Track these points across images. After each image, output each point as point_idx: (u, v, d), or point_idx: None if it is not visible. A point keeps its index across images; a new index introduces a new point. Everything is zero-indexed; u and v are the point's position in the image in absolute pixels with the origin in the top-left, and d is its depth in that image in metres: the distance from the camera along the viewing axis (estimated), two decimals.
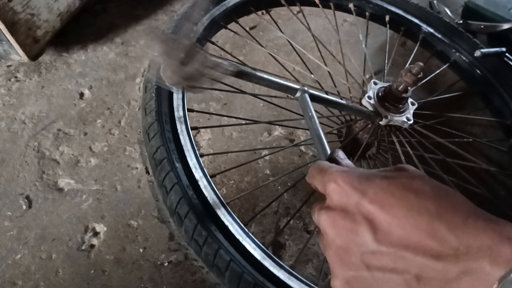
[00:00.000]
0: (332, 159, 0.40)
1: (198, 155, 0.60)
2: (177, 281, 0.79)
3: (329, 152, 0.43)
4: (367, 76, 1.06)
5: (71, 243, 0.81)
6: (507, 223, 0.25)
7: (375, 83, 0.71)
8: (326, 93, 0.87)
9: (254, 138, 1.03)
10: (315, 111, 0.52)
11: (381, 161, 0.84)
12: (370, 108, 0.69)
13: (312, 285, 0.53)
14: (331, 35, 1.29)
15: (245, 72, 0.48)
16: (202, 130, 1.03)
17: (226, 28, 0.86)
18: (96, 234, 0.83)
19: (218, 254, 0.51)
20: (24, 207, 0.85)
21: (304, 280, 0.53)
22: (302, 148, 1.03)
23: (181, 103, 0.64)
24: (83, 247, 0.81)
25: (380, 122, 0.69)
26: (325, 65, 0.87)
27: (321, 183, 0.35)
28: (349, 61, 1.06)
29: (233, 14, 0.87)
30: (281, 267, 0.53)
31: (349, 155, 0.79)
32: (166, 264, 0.80)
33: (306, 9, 1.41)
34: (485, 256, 0.24)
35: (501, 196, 0.74)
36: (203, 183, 0.57)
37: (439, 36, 0.96)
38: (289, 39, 0.93)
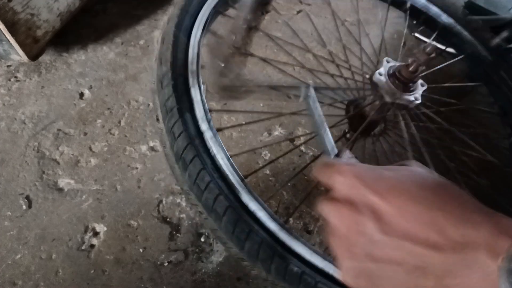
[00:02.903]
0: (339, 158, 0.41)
1: (207, 108, 0.62)
2: (177, 281, 0.79)
3: (335, 148, 0.45)
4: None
5: (71, 243, 0.81)
6: (503, 216, 0.26)
7: (388, 61, 0.72)
8: (340, 69, 0.85)
9: (254, 138, 1.03)
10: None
11: (385, 140, 0.84)
12: (381, 86, 0.69)
13: (298, 237, 0.55)
14: (331, 34, 1.29)
15: (259, 87, 0.52)
16: None
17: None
18: (96, 234, 0.83)
19: (218, 200, 0.53)
20: (24, 207, 0.85)
21: (293, 233, 0.56)
22: (302, 148, 1.03)
23: (196, 58, 0.66)
24: (83, 247, 0.81)
25: (388, 99, 0.69)
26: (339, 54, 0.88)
27: (327, 175, 0.35)
28: (348, 57, 1.06)
29: None
30: (274, 219, 0.56)
31: (355, 131, 0.80)
32: (166, 264, 0.80)
33: (307, 8, 1.41)
34: (482, 248, 0.25)
35: (503, 190, 0.74)
36: (209, 134, 0.59)
37: (458, 27, 0.95)
38: (295, 32, 0.93)
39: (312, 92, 0.53)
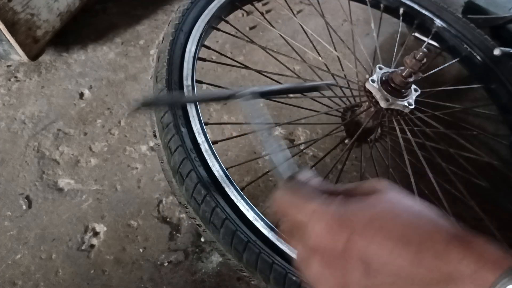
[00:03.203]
0: (300, 183, 0.36)
1: (203, 122, 0.63)
2: (177, 281, 0.79)
3: (291, 169, 0.38)
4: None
5: (71, 243, 0.81)
6: (487, 243, 0.27)
7: (380, 68, 0.72)
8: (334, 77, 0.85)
9: (254, 138, 1.03)
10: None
11: (382, 146, 0.85)
12: (374, 92, 0.70)
13: None
14: (332, 34, 1.29)
15: (186, 100, 0.54)
16: None
17: (241, 8, 0.87)
18: (96, 234, 0.83)
19: (215, 212, 0.54)
20: (24, 207, 0.85)
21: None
22: (301, 147, 1.03)
23: (190, 73, 0.68)
24: (83, 247, 0.81)
25: (382, 105, 0.70)
26: (335, 50, 0.89)
27: (298, 219, 0.34)
28: (348, 56, 1.06)
29: None
30: (271, 228, 0.56)
31: (351, 138, 0.80)
32: (166, 264, 0.80)
33: (307, 8, 1.41)
34: (469, 281, 0.26)
35: (503, 190, 0.74)
36: (204, 147, 0.60)
37: (452, 31, 0.96)
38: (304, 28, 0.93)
39: (250, 98, 0.44)
